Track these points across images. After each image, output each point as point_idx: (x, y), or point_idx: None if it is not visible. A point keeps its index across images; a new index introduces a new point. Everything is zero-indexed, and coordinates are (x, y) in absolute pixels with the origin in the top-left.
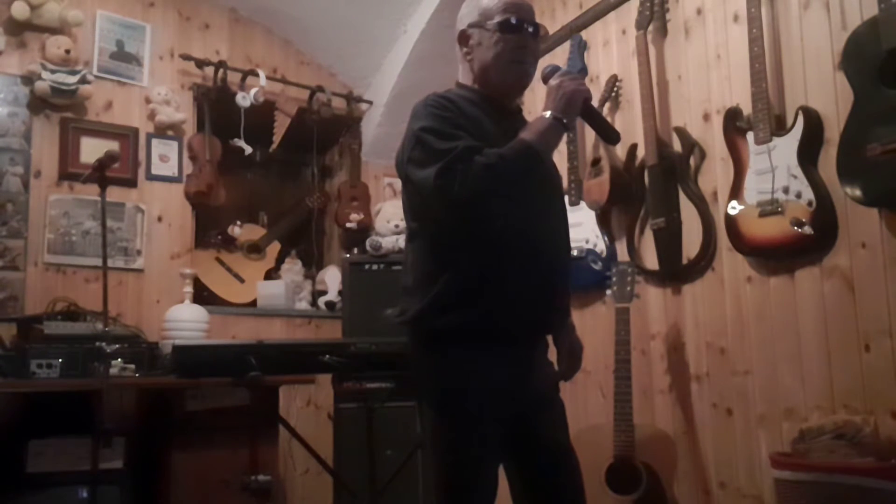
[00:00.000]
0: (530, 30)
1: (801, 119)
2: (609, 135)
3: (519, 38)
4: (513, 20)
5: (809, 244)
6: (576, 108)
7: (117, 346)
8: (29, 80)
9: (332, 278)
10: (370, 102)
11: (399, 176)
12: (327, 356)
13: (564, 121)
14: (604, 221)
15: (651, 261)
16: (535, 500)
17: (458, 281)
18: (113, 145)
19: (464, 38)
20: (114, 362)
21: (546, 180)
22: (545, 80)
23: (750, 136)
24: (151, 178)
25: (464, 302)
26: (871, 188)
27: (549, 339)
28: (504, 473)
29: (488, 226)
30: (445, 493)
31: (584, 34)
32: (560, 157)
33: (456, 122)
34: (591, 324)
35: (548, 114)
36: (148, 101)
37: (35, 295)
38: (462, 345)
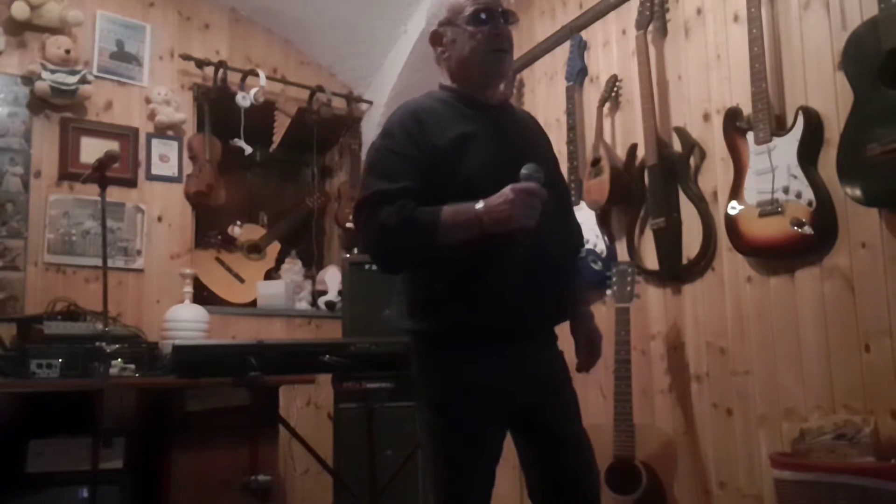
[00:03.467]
0: (502, 18)
1: (801, 119)
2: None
3: (492, 27)
4: (484, 11)
5: (809, 244)
6: (502, 228)
7: (117, 346)
8: (29, 80)
9: (332, 278)
10: (370, 102)
11: None
12: (327, 356)
13: (485, 226)
14: (604, 221)
15: (651, 261)
16: (551, 491)
17: (446, 278)
18: (113, 145)
19: (436, 37)
20: (114, 362)
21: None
22: (522, 175)
23: (750, 136)
24: (151, 178)
25: (453, 299)
26: (871, 188)
27: (556, 330)
28: (519, 469)
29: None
30: (439, 492)
31: (584, 34)
32: (560, 157)
33: (402, 151)
34: None
35: (480, 206)
36: (148, 101)
37: (35, 295)
38: (456, 344)
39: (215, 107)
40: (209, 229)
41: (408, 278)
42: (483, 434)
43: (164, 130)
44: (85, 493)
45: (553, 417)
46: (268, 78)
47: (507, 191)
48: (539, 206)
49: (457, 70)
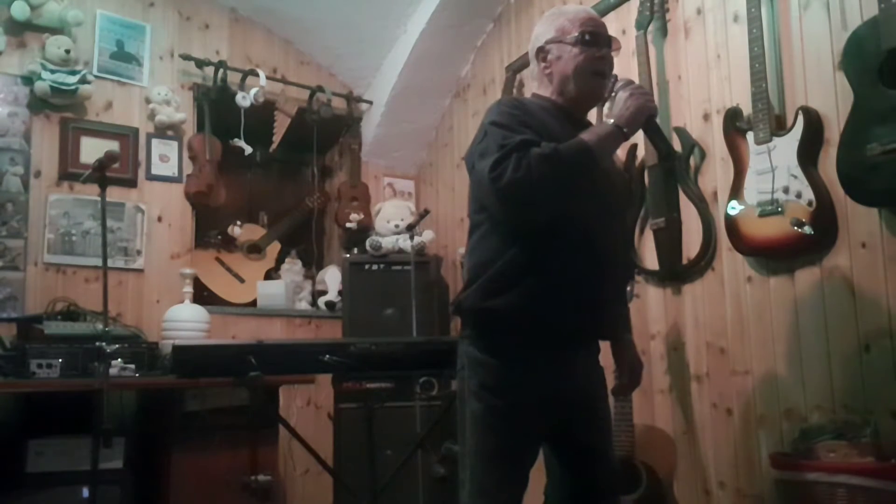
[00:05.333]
0: (607, 43)
1: (801, 119)
2: (665, 151)
3: (598, 51)
4: (591, 34)
5: (809, 244)
6: (639, 121)
7: (117, 346)
8: (29, 80)
9: (332, 278)
10: (370, 102)
11: (467, 168)
12: (327, 356)
13: (625, 130)
14: None
15: (651, 261)
16: (572, 500)
17: (509, 267)
18: (113, 145)
19: (541, 53)
20: (114, 362)
21: (609, 191)
22: (616, 92)
23: (750, 136)
24: (151, 178)
25: (511, 287)
26: (871, 188)
27: (600, 344)
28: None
29: (545, 221)
30: (474, 485)
31: None
32: None
33: (523, 121)
34: None
35: (611, 121)
36: (148, 101)
37: (35, 295)
38: (503, 338)
39: (215, 107)
40: (209, 229)
41: (476, 265)
42: (526, 434)
43: (164, 130)
44: (85, 493)
45: (587, 429)
46: (268, 78)
47: (620, 95)
48: (646, 90)
49: (557, 86)
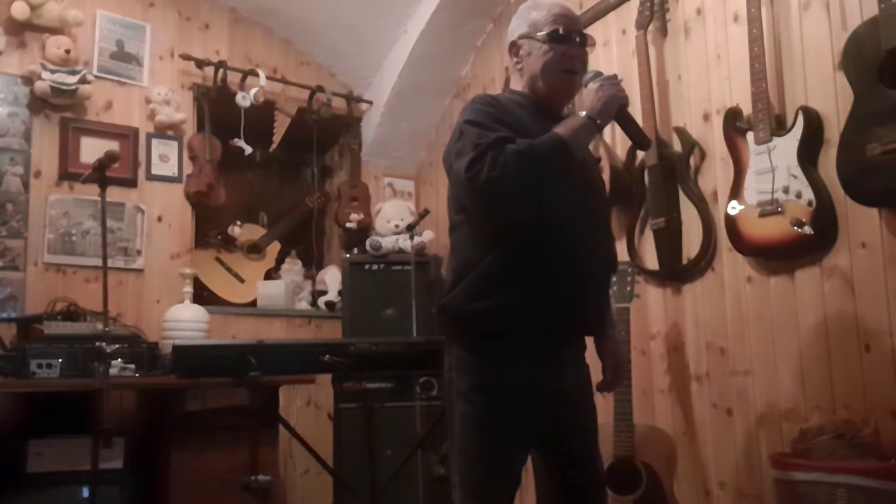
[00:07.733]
0: (578, 40)
1: (801, 119)
2: (640, 141)
3: (567, 48)
4: (561, 31)
5: (809, 244)
6: (611, 111)
7: (117, 346)
8: (29, 80)
9: (332, 278)
10: (370, 102)
11: (444, 168)
12: (327, 356)
13: (598, 122)
14: None
15: (651, 261)
16: (558, 500)
17: (494, 268)
18: (113, 145)
19: (514, 48)
20: (114, 362)
21: (587, 185)
22: (586, 84)
23: (750, 136)
24: (151, 178)
25: (497, 288)
26: (871, 188)
27: (588, 341)
28: (532, 473)
29: (524, 218)
30: (465, 487)
31: None
32: None
33: (498, 118)
34: None
35: (583, 114)
36: (148, 101)
37: (35, 295)
38: (492, 340)
39: (215, 107)
40: (209, 229)
41: (458, 265)
42: (516, 434)
43: (164, 130)
44: (85, 493)
45: (573, 428)
46: (268, 78)
47: (591, 86)
48: (618, 82)
49: (528, 81)
